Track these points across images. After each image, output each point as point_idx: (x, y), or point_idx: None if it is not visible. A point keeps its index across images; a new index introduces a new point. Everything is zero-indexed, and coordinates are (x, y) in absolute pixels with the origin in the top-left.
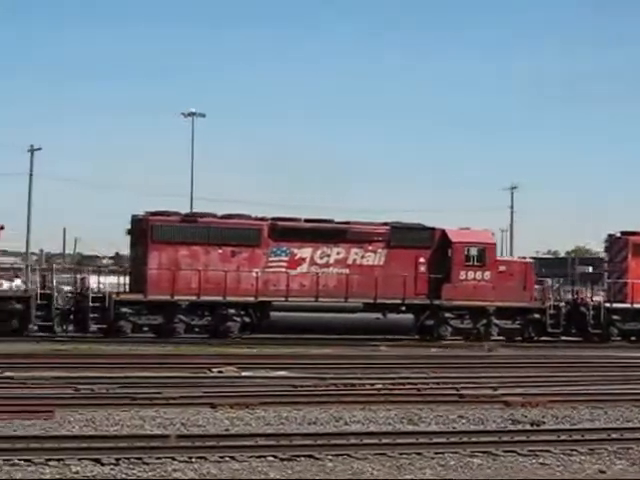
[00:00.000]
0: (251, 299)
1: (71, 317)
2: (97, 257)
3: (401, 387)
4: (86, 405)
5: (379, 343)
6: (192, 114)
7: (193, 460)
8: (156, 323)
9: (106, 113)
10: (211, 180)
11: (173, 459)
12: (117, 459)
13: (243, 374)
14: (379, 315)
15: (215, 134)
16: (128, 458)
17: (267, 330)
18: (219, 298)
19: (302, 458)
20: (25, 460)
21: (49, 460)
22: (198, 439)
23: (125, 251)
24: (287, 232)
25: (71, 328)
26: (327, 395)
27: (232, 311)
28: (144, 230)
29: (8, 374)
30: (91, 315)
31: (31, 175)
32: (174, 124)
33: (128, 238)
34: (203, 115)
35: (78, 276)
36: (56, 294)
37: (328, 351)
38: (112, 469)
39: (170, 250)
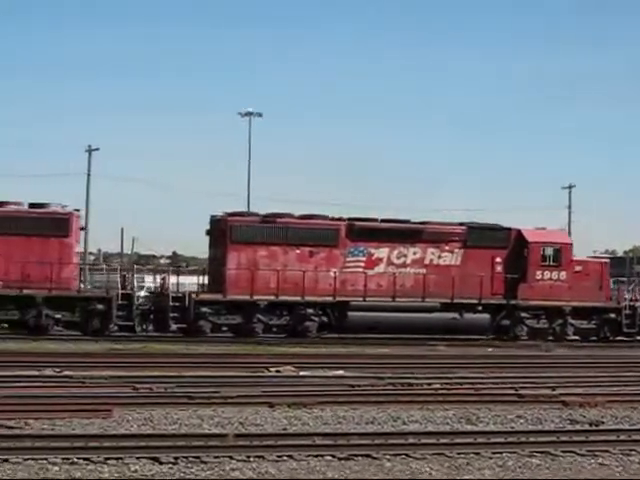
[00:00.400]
0: (329, 299)
1: (151, 317)
2: (154, 256)
3: (459, 387)
4: (144, 404)
5: (437, 342)
6: (249, 114)
7: (251, 459)
8: (235, 323)
9: (162, 112)
10: (267, 179)
11: (231, 458)
12: (175, 458)
13: (301, 373)
14: (456, 315)
15: (272, 134)
16: (186, 457)
17: (345, 330)
18: (297, 298)
19: (360, 458)
20: (84, 459)
21: (108, 459)
22: (256, 438)
23: (182, 250)
24: (364, 232)
25: (151, 328)
26: (385, 395)
27: (310, 311)
28: (223, 230)
29: (67, 373)
30: (171, 315)
31: (89, 175)
32: (231, 124)
33: (184, 237)
34: (260, 115)
35: (158, 276)
36: (136, 294)
37: (386, 350)
38: (170, 468)
39: (249, 250)
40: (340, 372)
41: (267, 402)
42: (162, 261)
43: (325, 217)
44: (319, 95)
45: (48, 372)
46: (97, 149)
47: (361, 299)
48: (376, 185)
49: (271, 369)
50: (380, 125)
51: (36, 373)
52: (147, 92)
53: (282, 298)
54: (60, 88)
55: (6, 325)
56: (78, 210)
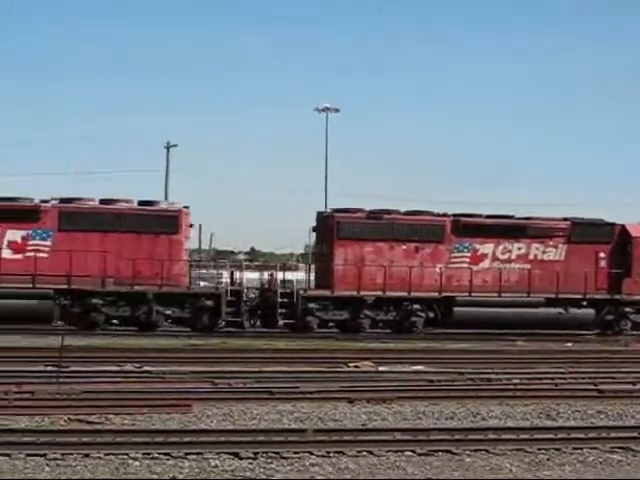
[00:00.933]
0: (435, 294)
1: (259, 313)
2: (232, 252)
3: (538, 382)
4: (224, 399)
5: (515, 338)
6: (326, 109)
7: (331, 455)
8: (342, 318)
9: (238, 108)
10: (344, 175)
11: (311, 453)
12: (255, 453)
13: (379, 369)
14: (561, 310)
15: (349, 129)
16: (266, 452)
17: (451, 325)
18: (404, 294)
19: (440, 453)
20: (164, 454)
21: (188, 454)
22: (335, 433)
23: (259, 246)
24: (469, 228)
25: (259, 324)
26: (464, 390)
27: (417, 306)
28: (330, 227)
29: (147, 368)
30: (279, 311)
31: (167, 172)
32: (308, 119)
33: (261, 233)
34: (337, 110)
35: (265, 273)
36: (245, 290)
37: (465, 345)
38: (250, 463)
39: (355, 246)
40: (419, 367)
41: (346, 397)
42: (240, 256)
43: (431, 213)
44: (392, 90)
45: (128, 367)
46: (175, 146)
47: (467, 294)
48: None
49: (350, 364)
50: (445, 119)
51: (116, 368)
52: (223, 88)
53: (389, 294)
54: (138, 84)
55: (116, 321)
56: (187, 207)
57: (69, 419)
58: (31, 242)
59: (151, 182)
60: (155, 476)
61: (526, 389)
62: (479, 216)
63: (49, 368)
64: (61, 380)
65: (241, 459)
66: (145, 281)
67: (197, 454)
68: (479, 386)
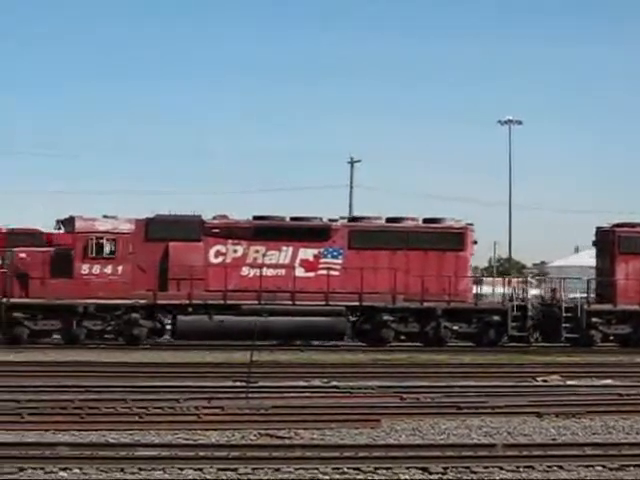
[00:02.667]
0: None
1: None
2: None
3: None
4: (412, 414)
5: None
6: (509, 122)
7: (520, 469)
8: (624, 332)
9: (421, 120)
10: (529, 188)
11: (501, 468)
12: (445, 468)
13: (568, 383)
14: None
15: (533, 141)
16: (456, 467)
17: None
18: None
19: (631, 468)
20: (354, 469)
21: (377, 469)
22: (525, 448)
23: None
24: None
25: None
26: None
27: None
28: (611, 242)
29: (334, 383)
30: (563, 325)
31: (351, 187)
32: (490, 132)
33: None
34: (520, 122)
35: (548, 287)
36: (530, 306)
37: None
38: (440, 478)
39: (636, 261)
40: (608, 381)
41: (535, 412)
42: None
43: None
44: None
45: (316, 382)
46: (359, 161)
47: None
48: None
49: (538, 378)
50: None
51: (304, 384)
52: (401, 100)
53: None
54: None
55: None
56: (471, 224)
57: (259, 434)
58: (323, 260)
59: (332, 198)
60: None
61: None
62: None
63: (237, 383)
64: (250, 395)
65: (431, 474)
66: (433, 297)
67: (386, 469)
68: None
